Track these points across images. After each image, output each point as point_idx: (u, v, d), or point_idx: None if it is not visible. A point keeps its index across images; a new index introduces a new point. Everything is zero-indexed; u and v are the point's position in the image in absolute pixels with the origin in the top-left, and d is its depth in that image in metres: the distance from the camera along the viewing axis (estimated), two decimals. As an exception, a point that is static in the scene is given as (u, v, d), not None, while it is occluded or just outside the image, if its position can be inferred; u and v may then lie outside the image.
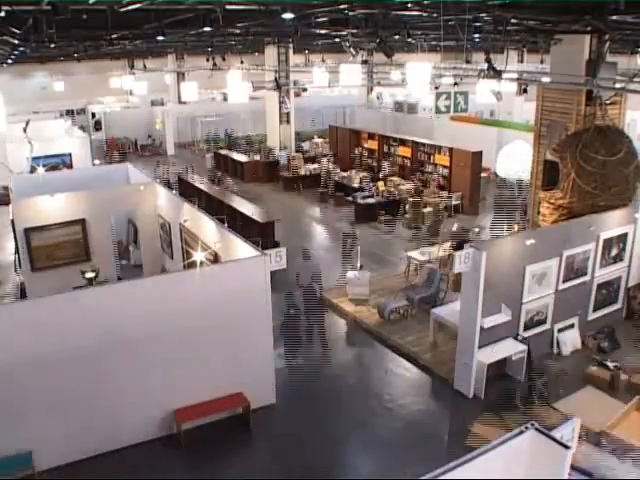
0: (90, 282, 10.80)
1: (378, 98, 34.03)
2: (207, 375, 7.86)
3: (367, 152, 22.68)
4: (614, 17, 8.93)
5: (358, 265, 11.98)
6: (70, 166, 18.46)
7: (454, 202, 17.51)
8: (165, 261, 12.52)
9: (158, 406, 7.65)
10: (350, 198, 18.00)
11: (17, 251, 12.02)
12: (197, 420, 7.81)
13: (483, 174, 18.67)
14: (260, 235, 14.23)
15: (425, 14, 9.86)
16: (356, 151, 22.94)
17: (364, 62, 23.58)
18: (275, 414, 8.25)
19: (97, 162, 21.71)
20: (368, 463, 7.39)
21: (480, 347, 8.53)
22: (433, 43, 19.10)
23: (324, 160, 22.23)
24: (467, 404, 8.45)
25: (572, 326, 9.84)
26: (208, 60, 29.33)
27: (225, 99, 31.87)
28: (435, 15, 9.49)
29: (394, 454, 7.46)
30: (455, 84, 17.20)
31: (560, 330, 9.69)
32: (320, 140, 25.52)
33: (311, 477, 7.08)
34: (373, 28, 11.51)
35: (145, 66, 33.31)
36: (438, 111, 17.38)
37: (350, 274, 11.59)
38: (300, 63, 29.43)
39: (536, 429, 4.59)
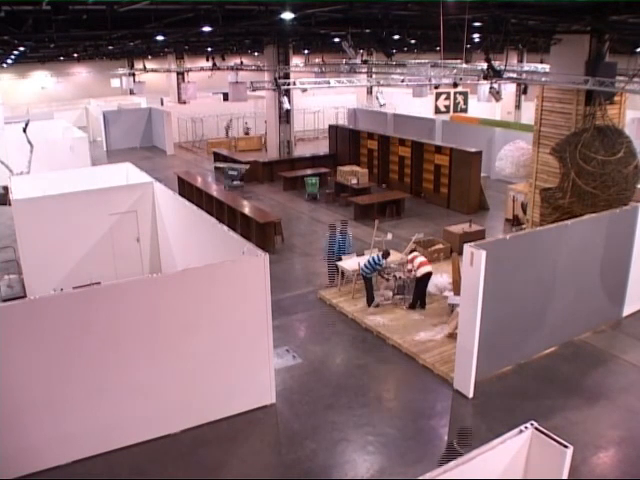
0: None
1: (377, 98, 33.94)
2: (205, 375, 7.86)
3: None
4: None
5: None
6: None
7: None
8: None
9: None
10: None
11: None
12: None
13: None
14: (261, 236, 14.29)
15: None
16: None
17: (364, 62, 23.62)
18: (275, 414, 8.26)
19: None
20: (368, 463, 7.38)
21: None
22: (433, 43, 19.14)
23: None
24: (467, 404, 8.45)
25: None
26: (208, 60, 29.38)
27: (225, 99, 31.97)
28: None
29: (394, 454, 7.46)
30: (455, 85, 17.18)
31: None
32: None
33: (311, 477, 7.08)
34: (373, 28, 11.54)
35: (145, 66, 33.36)
36: (437, 111, 17.42)
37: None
38: (299, 63, 29.46)
39: (535, 429, 4.61)
